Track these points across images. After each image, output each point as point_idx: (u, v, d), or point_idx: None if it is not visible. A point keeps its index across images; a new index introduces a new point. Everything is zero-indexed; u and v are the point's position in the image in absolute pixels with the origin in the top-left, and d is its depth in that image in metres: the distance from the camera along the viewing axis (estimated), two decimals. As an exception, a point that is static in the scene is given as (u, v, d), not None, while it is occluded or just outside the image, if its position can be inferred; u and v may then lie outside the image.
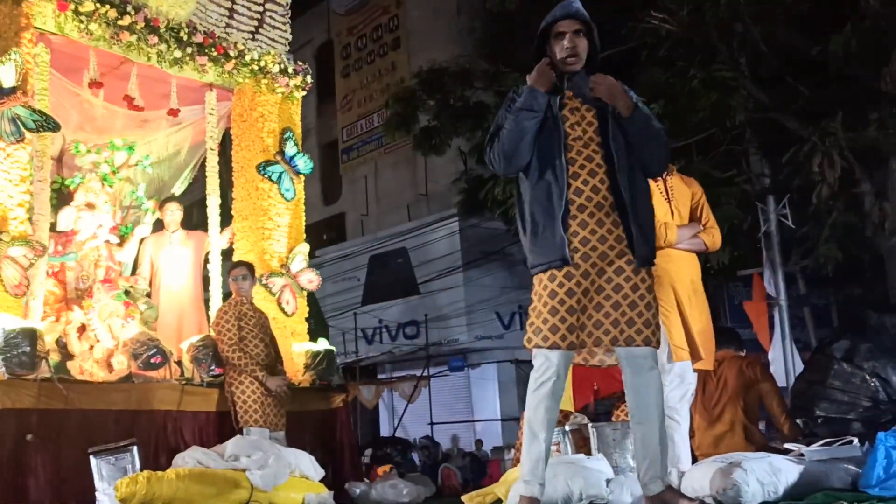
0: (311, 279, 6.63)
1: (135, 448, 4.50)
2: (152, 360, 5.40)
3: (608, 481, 3.48)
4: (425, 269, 17.07)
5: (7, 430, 4.52)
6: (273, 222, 6.50)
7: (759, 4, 8.24)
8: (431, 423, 16.06)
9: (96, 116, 6.61)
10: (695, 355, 3.59)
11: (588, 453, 3.80)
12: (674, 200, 3.68)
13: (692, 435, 4.26)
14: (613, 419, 4.17)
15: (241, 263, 5.85)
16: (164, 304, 6.42)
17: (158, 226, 6.75)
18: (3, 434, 4.50)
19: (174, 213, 6.58)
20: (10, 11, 5.33)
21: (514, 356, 16.33)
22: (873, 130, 7.68)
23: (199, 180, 7.20)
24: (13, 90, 5.16)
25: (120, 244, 6.48)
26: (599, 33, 3.04)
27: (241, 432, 5.17)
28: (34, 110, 5.23)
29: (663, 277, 3.51)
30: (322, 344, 6.44)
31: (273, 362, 5.60)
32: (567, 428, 4.15)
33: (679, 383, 3.57)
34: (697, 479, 3.15)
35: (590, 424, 3.91)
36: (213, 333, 5.67)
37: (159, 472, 4.29)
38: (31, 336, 4.77)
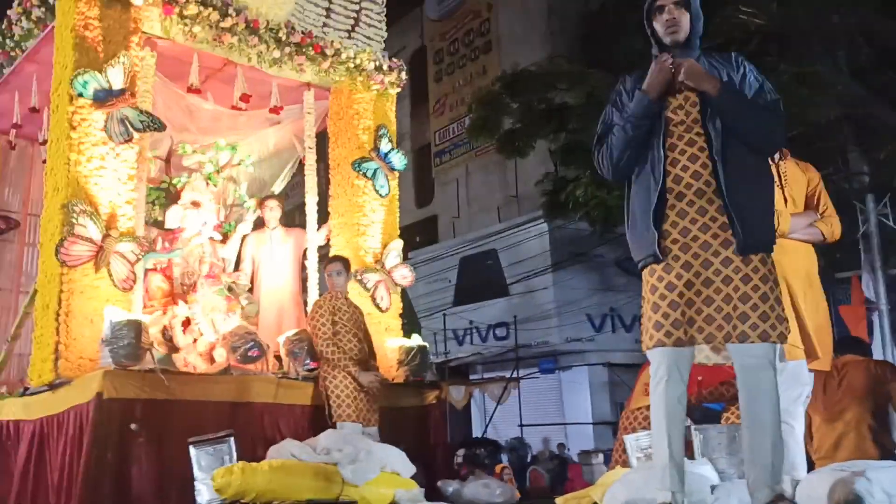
0: (404, 275, 6.63)
1: (232, 439, 4.53)
2: (250, 353, 5.50)
3: (713, 488, 3.29)
4: (515, 270, 16.96)
5: (112, 418, 4.64)
6: (368, 218, 6.55)
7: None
8: (521, 425, 15.91)
9: (201, 118, 6.81)
10: (810, 353, 3.32)
11: (691, 457, 3.61)
12: (787, 186, 3.42)
13: (810, 437, 3.99)
14: (723, 422, 3.94)
15: (336, 258, 5.88)
16: (265, 300, 6.54)
17: (259, 224, 6.90)
18: (108, 421, 4.62)
19: (274, 209, 6.71)
20: (119, 17, 5.53)
21: (607, 359, 16.01)
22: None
23: (298, 184, 7.31)
24: (122, 92, 5.35)
25: (223, 241, 6.66)
26: None
27: (334, 426, 5.20)
28: (141, 111, 5.41)
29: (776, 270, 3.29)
30: (415, 340, 6.41)
31: (366, 357, 5.58)
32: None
33: (793, 384, 3.30)
34: (815, 487, 2.89)
35: (693, 427, 3.71)
36: (308, 328, 5.74)
37: (254, 464, 4.33)
38: (136, 328, 4.92)
